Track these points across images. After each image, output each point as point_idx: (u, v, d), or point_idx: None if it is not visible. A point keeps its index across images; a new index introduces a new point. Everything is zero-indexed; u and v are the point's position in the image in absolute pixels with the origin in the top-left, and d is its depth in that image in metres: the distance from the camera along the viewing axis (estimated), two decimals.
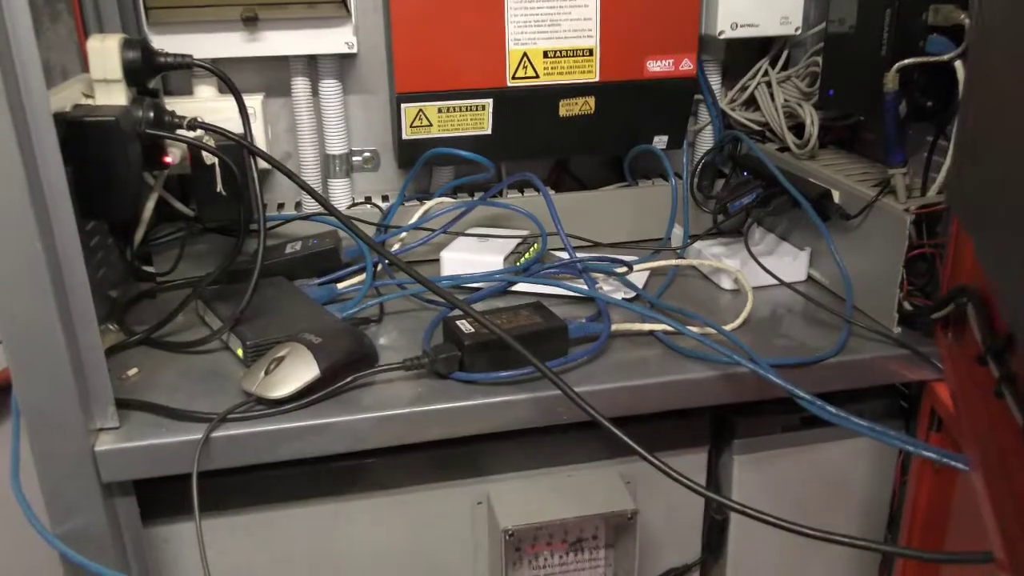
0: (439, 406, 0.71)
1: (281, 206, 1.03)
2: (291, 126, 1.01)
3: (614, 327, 0.80)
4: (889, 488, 0.91)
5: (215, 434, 0.66)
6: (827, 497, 0.90)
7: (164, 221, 0.95)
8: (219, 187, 0.81)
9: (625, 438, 0.61)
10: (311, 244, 0.94)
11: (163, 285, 0.93)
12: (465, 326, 0.75)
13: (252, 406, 0.69)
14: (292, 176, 0.77)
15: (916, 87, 0.79)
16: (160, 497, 0.72)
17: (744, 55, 1.06)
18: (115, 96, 0.76)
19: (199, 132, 0.78)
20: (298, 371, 0.70)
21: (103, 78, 0.75)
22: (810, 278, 0.93)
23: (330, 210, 0.77)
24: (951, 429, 0.77)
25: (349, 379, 0.72)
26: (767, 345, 0.79)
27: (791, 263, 0.92)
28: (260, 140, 0.96)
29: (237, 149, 0.79)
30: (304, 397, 0.70)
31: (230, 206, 0.82)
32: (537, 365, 0.66)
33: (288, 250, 0.93)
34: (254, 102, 0.94)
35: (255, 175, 0.80)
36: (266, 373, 0.70)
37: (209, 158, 0.80)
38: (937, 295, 0.78)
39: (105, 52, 0.75)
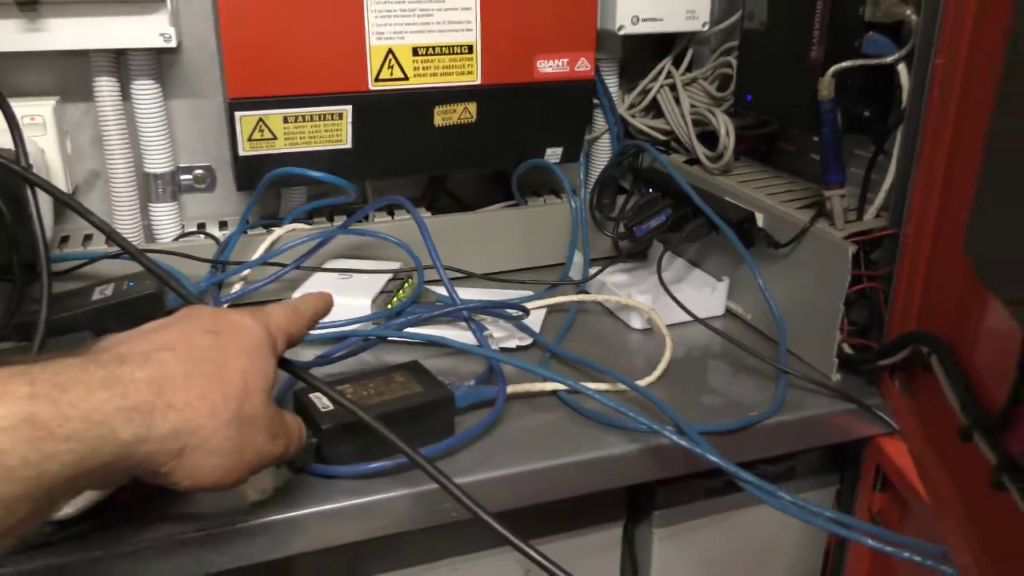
0: (291, 514, 0.54)
1: (88, 238, 0.82)
2: (98, 138, 0.80)
3: (510, 388, 0.65)
4: (822, 549, 0.80)
5: None
6: (755, 563, 0.79)
7: None
8: None
9: (525, 547, 0.46)
10: (126, 288, 0.74)
11: None
12: (322, 401, 0.58)
13: None
14: (82, 210, 0.58)
15: (851, 93, 0.68)
16: None
17: (642, 54, 0.94)
18: None
19: None
20: None
21: None
22: (728, 312, 0.81)
23: (124, 247, 0.57)
24: (900, 490, 0.66)
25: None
26: (691, 403, 0.66)
27: (709, 295, 0.80)
28: (55, 157, 0.76)
29: (8, 175, 0.60)
30: (100, 514, 0.51)
31: (4, 245, 0.63)
32: (412, 456, 0.50)
33: (96, 296, 0.73)
34: (42, 109, 0.75)
35: (36, 208, 0.61)
36: None
37: None
38: (881, 337, 0.67)
39: None
